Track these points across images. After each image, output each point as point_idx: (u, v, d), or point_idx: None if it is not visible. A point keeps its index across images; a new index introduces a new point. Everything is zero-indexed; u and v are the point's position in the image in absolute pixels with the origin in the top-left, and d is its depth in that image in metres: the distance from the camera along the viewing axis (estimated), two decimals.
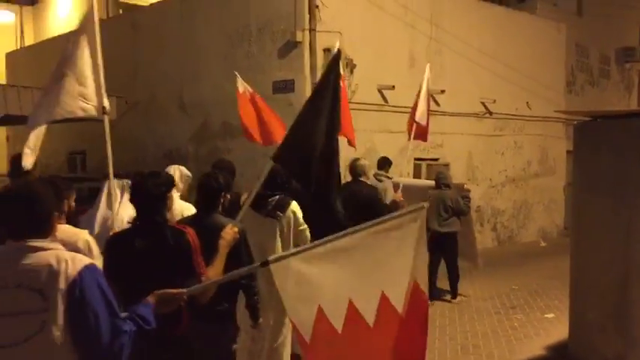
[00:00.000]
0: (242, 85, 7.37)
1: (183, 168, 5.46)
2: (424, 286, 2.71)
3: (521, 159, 13.29)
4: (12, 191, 2.39)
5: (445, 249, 7.79)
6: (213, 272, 3.22)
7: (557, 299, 7.94)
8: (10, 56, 17.78)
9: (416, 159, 10.67)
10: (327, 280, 2.57)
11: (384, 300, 2.61)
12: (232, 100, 10.20)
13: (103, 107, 4.55)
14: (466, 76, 11.56)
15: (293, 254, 2.59)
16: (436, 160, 11.33)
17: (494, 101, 12.15)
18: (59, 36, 15.99)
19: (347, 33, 9.48)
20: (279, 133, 6.66)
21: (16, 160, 4.99)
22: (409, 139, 8.12)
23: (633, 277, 5.15)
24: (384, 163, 8.17)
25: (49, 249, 2.28)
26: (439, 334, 6.70)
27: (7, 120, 9.81)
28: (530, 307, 7.91)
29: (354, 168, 6.61)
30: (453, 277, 8.03)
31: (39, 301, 2.17)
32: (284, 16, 9.52)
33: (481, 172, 12.35)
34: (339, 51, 4.33)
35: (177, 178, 5.13)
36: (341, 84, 5.52)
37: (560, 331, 6.40)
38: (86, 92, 4.51)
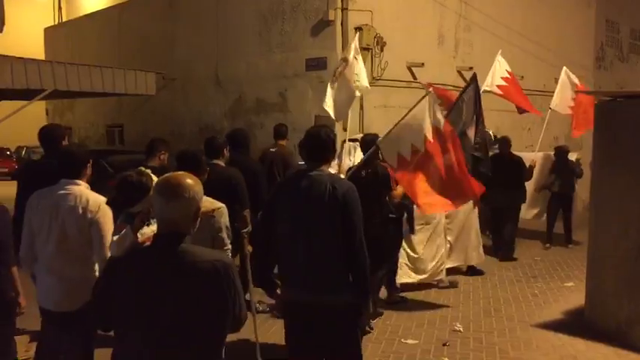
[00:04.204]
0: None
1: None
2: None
3: (548, 135, 13.43)
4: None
5: (564, 205, 10.09)
6: (398, 190, 5.92)
7: (578, 269, 8.28)
8: (48, 31, 18.30)
9: None
10: (404, 135, 5.48)
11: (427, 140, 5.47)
12: (265, 76, 10.64)
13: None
14: (494, 52, 11.72)
15: (385, 136, 5.66)
16: None
17: (522, 77, 12.29)
18: (94, 12, 16.47)
19: (378, 11, 9.77)
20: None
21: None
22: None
23: None
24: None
25: None
26: (463, 298, 7.12)
27: (56, 95, 10.35)
28: (550, 276, 8.27)
29: (504, 143, 9.43)
30: (568, 227, 10.23)
31: None
32: None
33: None
34: (474, 74, 5.91)
35: None
36: (507, 77, 9.39)
37: (578, 299, 6.71)
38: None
